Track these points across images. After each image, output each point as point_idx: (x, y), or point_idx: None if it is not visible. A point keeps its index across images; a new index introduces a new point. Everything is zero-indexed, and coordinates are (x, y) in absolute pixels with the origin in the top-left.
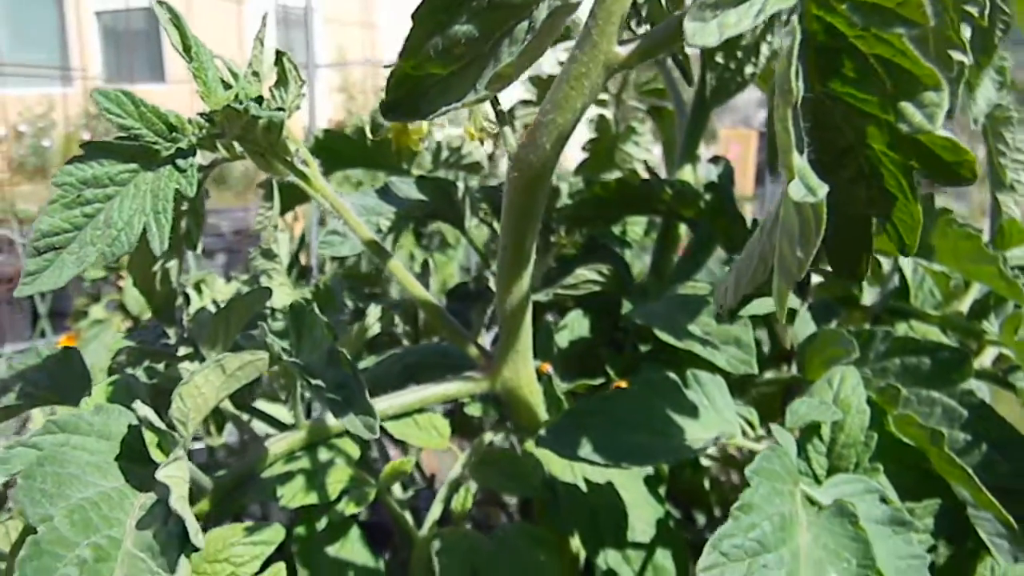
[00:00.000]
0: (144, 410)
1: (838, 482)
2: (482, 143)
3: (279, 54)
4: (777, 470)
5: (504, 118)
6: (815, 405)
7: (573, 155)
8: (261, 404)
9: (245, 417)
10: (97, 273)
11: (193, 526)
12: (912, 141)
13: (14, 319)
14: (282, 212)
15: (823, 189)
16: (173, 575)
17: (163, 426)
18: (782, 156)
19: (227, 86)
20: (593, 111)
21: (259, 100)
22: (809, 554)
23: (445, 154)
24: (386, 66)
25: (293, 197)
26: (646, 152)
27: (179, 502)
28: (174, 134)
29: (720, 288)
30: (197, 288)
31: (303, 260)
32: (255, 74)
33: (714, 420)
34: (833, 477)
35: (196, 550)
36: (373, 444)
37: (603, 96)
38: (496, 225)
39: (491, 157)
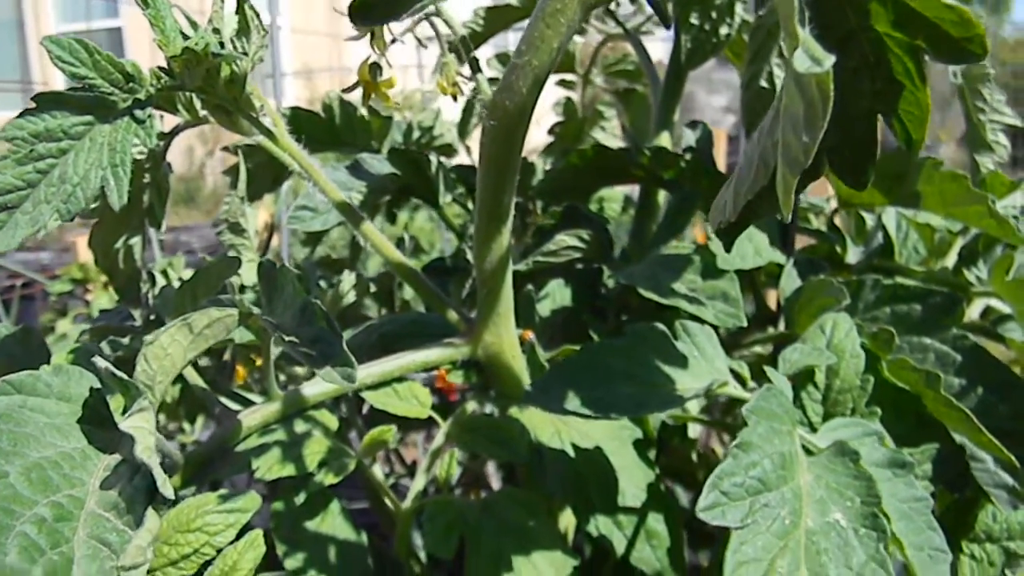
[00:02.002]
0: (103, 363)
1: (835, 426)
2: (455, 98)
3: (240, 2)
4: (775, 410)
5: (478, 66)
6: (808, 351)
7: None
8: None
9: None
10: (64, 287)
11: (160, 476)
12: (918, 17)
13: None
14: (251, 199)
15: (829, 59)
16: (139, 530)
17: (124, 376)
18: (784, 24)
19: (186, 38)
20: (560, 93)
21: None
22: (811, 493)
23: (416, 134)
24: (345, 90)
25: (261, 183)
26: (613, 138)
27: (145, 452)
28: (131, 84)
29: (718, 203)
30: (164, 274)
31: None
32: (215, 31)
33: (704, 369)
34: (829, 422)
35: (165, 502)
36: (351, 425)
37: (570, 77)
38: (471, 205)
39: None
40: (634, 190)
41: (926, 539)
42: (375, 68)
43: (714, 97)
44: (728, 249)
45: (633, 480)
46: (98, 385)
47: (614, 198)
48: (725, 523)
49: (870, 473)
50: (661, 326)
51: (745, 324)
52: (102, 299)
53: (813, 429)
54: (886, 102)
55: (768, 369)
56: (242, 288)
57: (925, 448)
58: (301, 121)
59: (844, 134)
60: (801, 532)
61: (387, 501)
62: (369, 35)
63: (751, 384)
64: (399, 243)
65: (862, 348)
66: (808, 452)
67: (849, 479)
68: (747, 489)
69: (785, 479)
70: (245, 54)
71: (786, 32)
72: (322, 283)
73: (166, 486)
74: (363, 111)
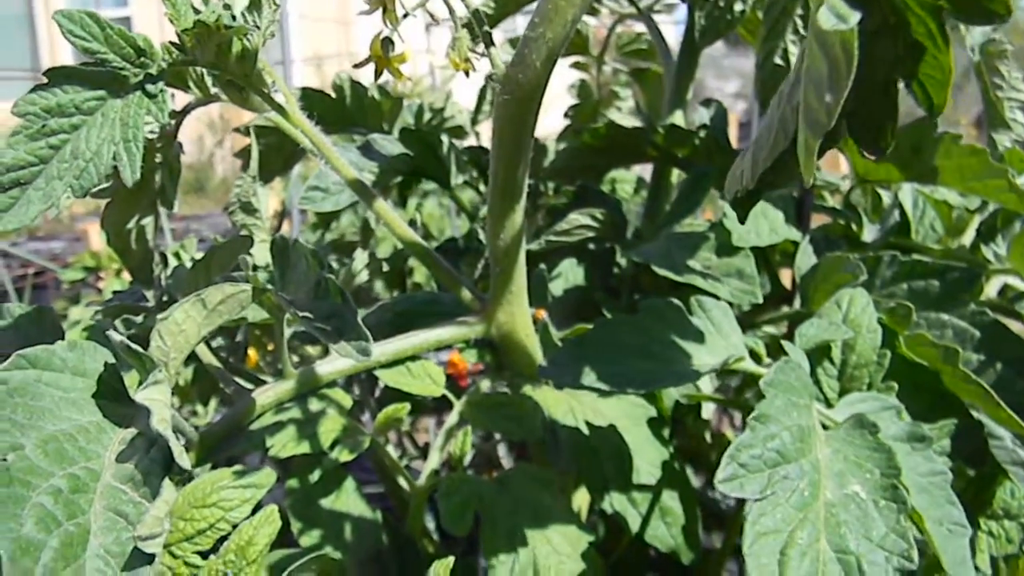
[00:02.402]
0: (118, 337)
1: (852, 401)
2: (467, 74)
3: None
4: (792, 382)
5: (491, 38)
6: (824, 325)
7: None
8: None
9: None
10: (76, 275)
11: (177, 448)
12: None
13: None
14: (262, 181)
15: (854, 16)
16: (156, 501)
17: (140, 349)
18: None
19: (197, 12)
20: (574, 75)
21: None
22: (830, 466)
23: (427, 116)
24: (357, 65)
25: (272, 166)
26: (628, 119)
27: (161, 424)
28: (142, 59)
29: (734, 172)
30: (176, 255)
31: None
32: (227, 5)
33: (720, 345)
34: (846, 397)
35: (181, 474)
36: (364, 406)
37: (584, 59)
38: (483, 188)
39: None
40: (646, 172)
41: (946, 513)
42: (387, 43)
43: (724, 83)
44: (743, 220)
45: (647, 458)
46: (112, 360)
47: (626, 179)
48: (743, 495)
49: (889, 446)
50: (676, 301)
51: (761, 301)
52: (114, 286)
53: (829, 405)
54: (907, 68)
55: (785, 343)
56: (255, 268)
57: (943, 424)
58: (312, 101)
59: (864, 102)
60: (820, 504)
61: (401, 480)
62: (381, 10)
63: (766, 361)
64: (410, 225)
65: (879, 323)
66: (825, 427)
67: (868, 451)
68: (765, 461)
69: (803, 451)
70: (257, 27)
71: None
72: (334, 264)
73: (183, 457)
74: (374, 92)
